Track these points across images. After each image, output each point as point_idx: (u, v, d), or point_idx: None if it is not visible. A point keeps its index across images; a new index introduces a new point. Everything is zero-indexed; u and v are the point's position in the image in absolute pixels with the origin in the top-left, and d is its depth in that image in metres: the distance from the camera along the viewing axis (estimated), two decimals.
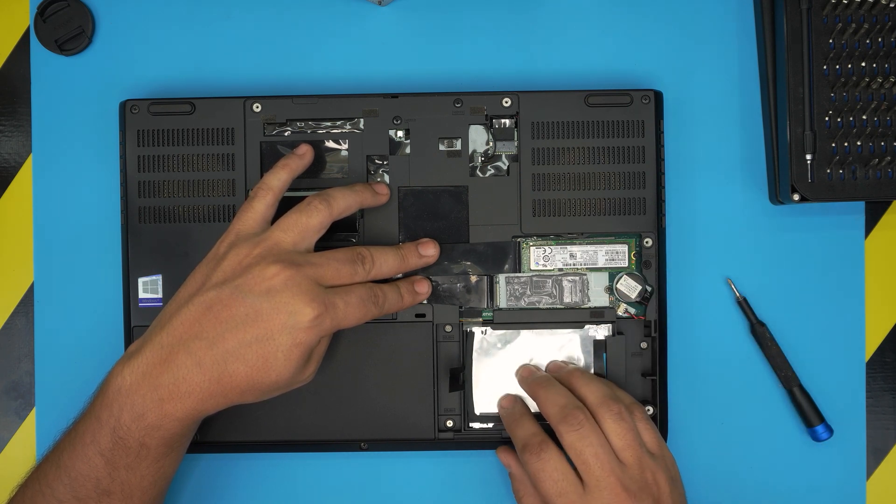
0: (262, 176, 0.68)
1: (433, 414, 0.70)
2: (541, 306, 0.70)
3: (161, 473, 0.63)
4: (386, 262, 0.66)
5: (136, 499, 0.63)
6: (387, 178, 0.70)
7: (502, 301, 0.71)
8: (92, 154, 0.73)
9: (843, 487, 0.72)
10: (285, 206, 0.66)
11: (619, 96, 0.70)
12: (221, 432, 0.70)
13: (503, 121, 0.71)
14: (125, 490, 0.62)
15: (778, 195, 0.71)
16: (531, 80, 0.73)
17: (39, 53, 0.73)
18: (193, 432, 0.65)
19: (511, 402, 0.69)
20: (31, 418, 0.73)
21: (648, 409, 0.69)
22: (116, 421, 0.61)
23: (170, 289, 0.70)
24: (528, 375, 0.69)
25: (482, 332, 0.70)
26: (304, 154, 0.68)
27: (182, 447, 0.64)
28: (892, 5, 0.68)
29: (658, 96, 0.70)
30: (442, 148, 0.70)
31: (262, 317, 0.61)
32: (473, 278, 0.70)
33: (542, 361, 0.70)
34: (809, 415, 0.71)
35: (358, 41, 0.73)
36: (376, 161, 0.71)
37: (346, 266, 0.64)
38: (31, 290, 0.73)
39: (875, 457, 0.73)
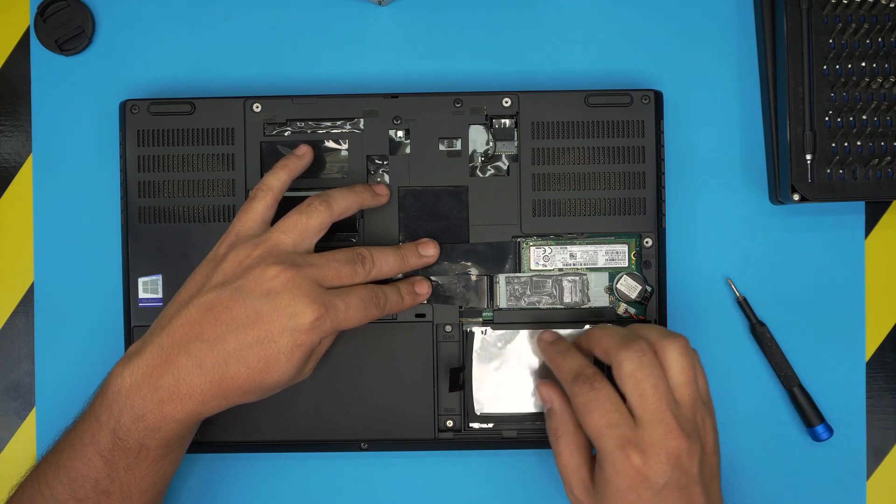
0: (262, 176, 0.68)
1: (433, 414, 0.70)
2: (541, 306, 0.70)
3: (160, 474, 0.63)
4: (386, 262, 0.66)
5: (136, 499, 0.63)
6: (387, 178, 0.70)
7: (502, 301, 0.71)
8: (92, 154, 0.73)
9: (843, 487, 0.72)
10: (285, 206, 0.66)
11: (619, 96, 0.70)
12: (221, 432, 0.70)
13: (503, 121, 0.71)
14: (124, 491, 0.62)
15: (778, 195, 0.71)
16: (531, 80, 0.73)
17: (39, 53, 0.73)
18: (193, 433, 0.65)
19: (553, 336, 0.68)
20: (31, 418, 0.73)
21: None
22: (116, 422, 0.61)
23: (170, 289, 0.70)
24: (550, 338, 0.68)
25: (482, 332, 0.70)
26: (304, 155, 0.68)
27: (182, 448, 0.64)
28: (892, 5, 0.68)
29: (658, 96, 0.70)
30: (442, 148, 0.70)
31: (262, 318, 0.61)
32: (473, 278, 0.70)
33: (542, 361, 0.70)
34: (809, 415, 0.71)
35: (358, 41, 0.73)
36: (376, 161, 0.71)
37: (347, 266, 0.64)
38: (31, 290, 0.73)
39: (875, 457, 0.73)
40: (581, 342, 0.66)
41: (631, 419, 0.60)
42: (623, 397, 0.61)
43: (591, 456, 0.63)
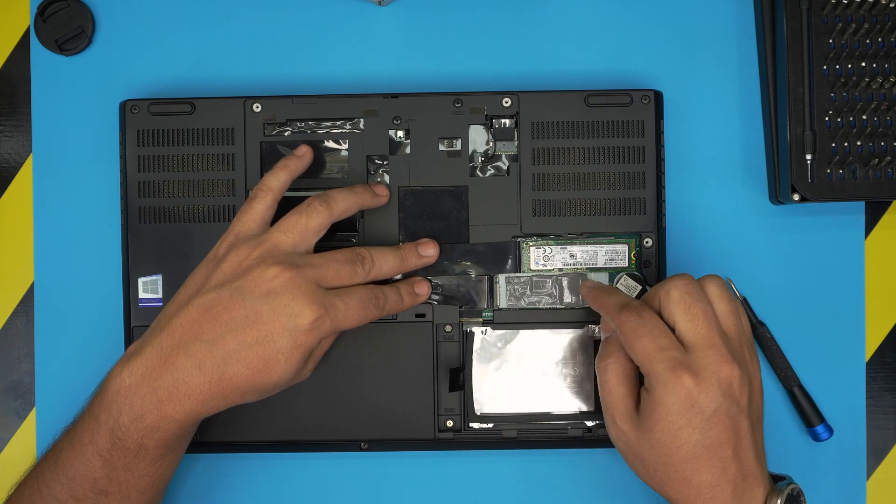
0: (262, 176, 0.68)
1: (433, 414, 0.70)
2: (541, 306, 0.70)
3: (159, 474, 0.63)
4: (386, 262, 0.66)
5: (134, 499, 0.63)
6: (387, 178, 0.70)
7: (502, 301, 0.71)
8: (92, 154, 0.73)
9: (843, 487, 0.72)
10: (285, 206, 0.66)
11: (619, 96, 0.70)
12: (221, 432, 0.70)
13: (503, 121, 0.71)
14: (123, 490, 0.62)
15: (778, 195, 0.71)
16: (531, 80, 0.73)
17: (39, 53, 0.73)
18: (192, 433, 0.65)
19: (595, 283, 0.68)
20: (31, 418, 0.73)
21: None
22: (115, 422, 0.61)
23: (170, 289, 0.70)
24: (592, 283, 0.69)
25: (482, 332, 0.70)
26: (304, 155, 0.68)
27: (181, 448, 0.64)
28: (892, 5, 0.68)
29: (658, 96, 0.70)
30: (442, 148, 0.70)
31: (261, 319, 0.61)
32: (473, 278, 0.70)
33: (542, 361, 0.70)
34: (809, 415, 0.71)
35: (358, 41, 0.73)
36: (376, 161, 0.71)
37: (346, 267, 0.64)
38: (31, 290, 0.73)
39: (875, 457, 0.73)
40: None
41: (680, 345, 0.60)
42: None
43: (637, 389, 0.62)
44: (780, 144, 0.70)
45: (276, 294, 0.61)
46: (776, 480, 0.62)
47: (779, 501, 0.60)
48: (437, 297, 0.70)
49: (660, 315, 0.62)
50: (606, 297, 0.65)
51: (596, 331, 0.70)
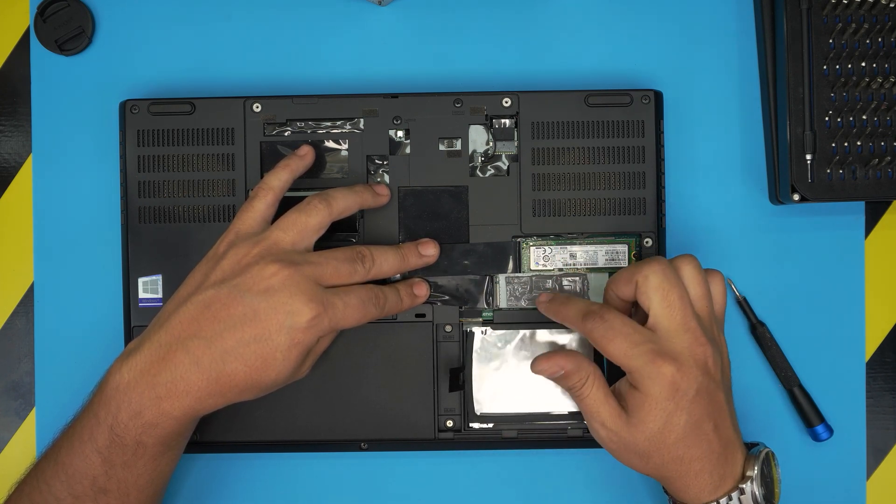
0: (262, 176, 0.68)
1: (433, 414, 0.70)
2: None
3: (158, 472, 0.63)
4: (386, 261, 0.66)
5: (133, 497, 0.63)
6: (387, 178, 0.70)
7: (502, 301, 0.71)
8: (92, 154, 0.73)
9: (843, 487, 0.72)
10: (286, 206, 0.66)
11: (619, 96, 0.70)
12: (220, 432, 0.70)
13: (503, 121, 0.71)
14: (122, 488, 0.62)
15: (778, 195, 0.71)
16: (531, 80, 0.73)
17: (39, 53, 0.73)
18: (191, 431, 0.65)
19: (550, 295, 0.68)
20: (31, 418, 0.73)
21: None
22: (114, 419, 0.61)
23: (170, 289, 0.70)
24: (547, 297, 0.69)
25: (482, 332, 0.70)
26: (305, 155, 0.68)
27: (179, 446, 0.64)
28: (892, 5, 0.68)
29: (658, 96, 0.70)
30: (442, 148, 0.70)
31: (260, 316, 0.61)
32: (473, 278, 0.70)
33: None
34: (809, 415, 0.71)
35: (358, 41, 0.73)
36: (376, 161, 0.71)
37: (346, 265, 0.64)
38: (31, 290, 0.73)
39: (875, 457, 0.73)
40: (606, 291, 0.66)
41: (652, 334, 0.62)
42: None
43: (609, 389, 0.63)
44: (780, 144, 0.70)
45: (274, 291, 0.61)
46: (749, 447, 0.64)
47: (756, 467, 0.62)
48: (437, 297, 0.70)
49: (634, 297, 0.63)
50: (566, 309, 0.65)
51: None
